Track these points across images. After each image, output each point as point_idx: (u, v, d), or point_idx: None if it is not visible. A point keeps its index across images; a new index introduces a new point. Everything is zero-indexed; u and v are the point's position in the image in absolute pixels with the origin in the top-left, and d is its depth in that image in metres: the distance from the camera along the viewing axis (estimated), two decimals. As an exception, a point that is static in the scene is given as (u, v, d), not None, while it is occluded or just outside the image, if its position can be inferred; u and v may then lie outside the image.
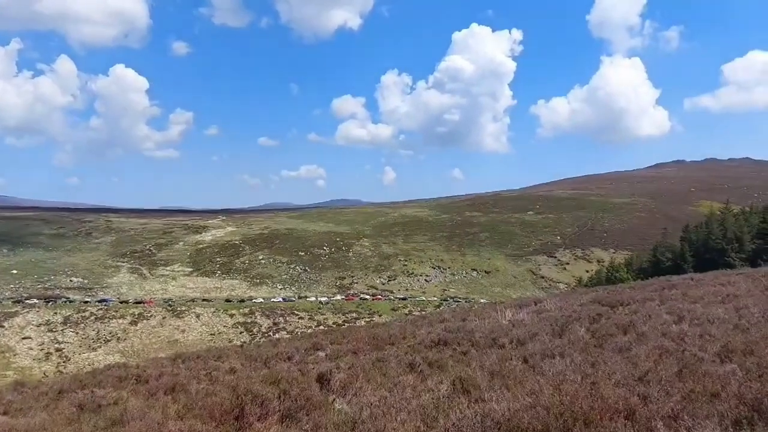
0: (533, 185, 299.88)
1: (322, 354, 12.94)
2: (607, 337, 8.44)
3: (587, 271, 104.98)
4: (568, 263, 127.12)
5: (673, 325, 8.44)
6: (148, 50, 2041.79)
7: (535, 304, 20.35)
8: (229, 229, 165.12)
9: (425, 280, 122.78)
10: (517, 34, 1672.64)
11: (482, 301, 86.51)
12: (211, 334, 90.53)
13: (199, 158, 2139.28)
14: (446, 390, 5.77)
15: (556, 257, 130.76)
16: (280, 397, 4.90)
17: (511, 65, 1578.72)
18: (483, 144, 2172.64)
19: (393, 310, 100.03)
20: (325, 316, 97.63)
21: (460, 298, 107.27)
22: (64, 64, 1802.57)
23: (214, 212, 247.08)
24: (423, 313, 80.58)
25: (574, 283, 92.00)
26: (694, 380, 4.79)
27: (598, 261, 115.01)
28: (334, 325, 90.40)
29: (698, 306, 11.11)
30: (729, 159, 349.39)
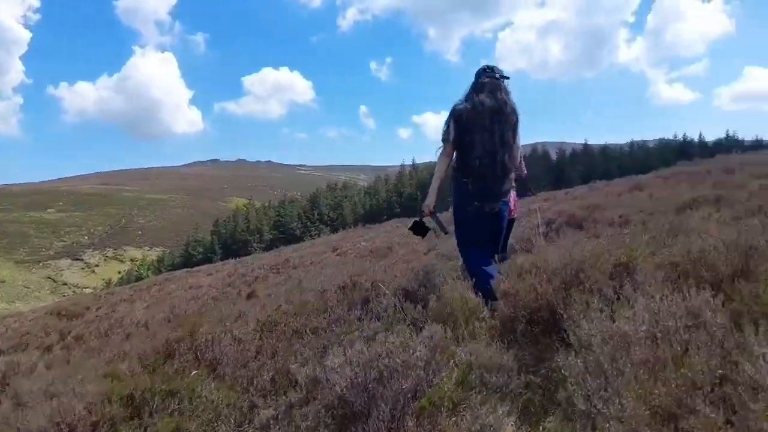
0: (56, 179, 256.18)
1: None
2: None
3: (119, 272, 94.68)
4: (97, 265, 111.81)
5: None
6: None
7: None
8: None
9: None
10: (34, 0, 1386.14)
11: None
12: None
13: None
14: None
15: (83, 260, 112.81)
16: None
17: (26, 35, 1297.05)
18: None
19: None
20: None
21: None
22: None
23: None
24: None
25: (103, 287, 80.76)
26: None
27: (132, 260, 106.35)
28: None
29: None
30: (256, 161, 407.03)
